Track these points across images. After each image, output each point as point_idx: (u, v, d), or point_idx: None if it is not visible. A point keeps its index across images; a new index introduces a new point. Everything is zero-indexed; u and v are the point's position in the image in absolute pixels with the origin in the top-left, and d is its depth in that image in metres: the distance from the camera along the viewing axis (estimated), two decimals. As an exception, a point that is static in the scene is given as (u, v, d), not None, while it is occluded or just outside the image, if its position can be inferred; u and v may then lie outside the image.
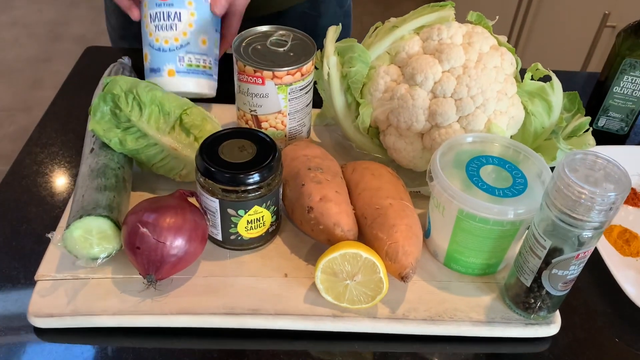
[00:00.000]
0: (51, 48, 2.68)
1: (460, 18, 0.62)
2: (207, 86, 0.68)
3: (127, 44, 0.94)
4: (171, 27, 0.66)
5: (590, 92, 0.79)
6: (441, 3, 0.62)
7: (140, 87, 0.60)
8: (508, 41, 2.15)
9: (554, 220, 0.47)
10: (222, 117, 0.74)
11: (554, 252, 0.49)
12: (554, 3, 1.71)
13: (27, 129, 2.27)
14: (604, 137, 0.78)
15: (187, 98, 0.64)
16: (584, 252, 0.48)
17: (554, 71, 0.62)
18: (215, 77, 0.70)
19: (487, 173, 0.55)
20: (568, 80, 0.92)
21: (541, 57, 1.79)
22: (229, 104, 0.73)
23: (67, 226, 0.53)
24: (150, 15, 0.66)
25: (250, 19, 0.91)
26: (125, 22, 0.93)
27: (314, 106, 0.71)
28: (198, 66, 0.67)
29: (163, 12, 0.65)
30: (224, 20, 0.72)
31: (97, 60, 0.87)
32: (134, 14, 0.69)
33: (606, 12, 1.36)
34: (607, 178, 0.46)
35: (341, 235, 0.55)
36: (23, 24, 2.81)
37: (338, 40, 0.65)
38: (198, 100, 0.69)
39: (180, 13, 0.65)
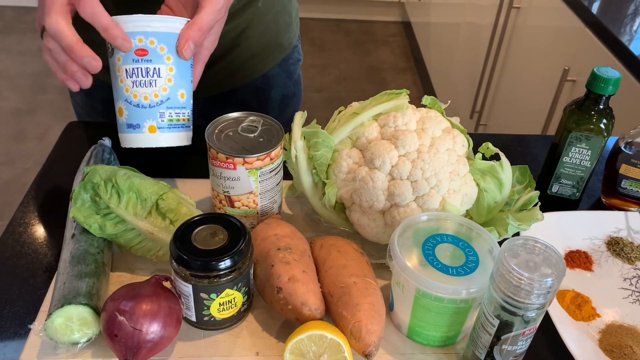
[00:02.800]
0: (35, 100, 2.72)
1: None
2: (185, 138, 0.69)
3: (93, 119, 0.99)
4: (150, 84, 0.64)
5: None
6: (396, 91, 0.67)
7: (119, 175, 0.64)
8: (474, 106, 2.22)
9: (500, 302, 0.51)
10: (197, 192, 0.79)
11: (503, 328, 0.53)
12: (516, 64, 1.81)
13: (10, 183, 2.29)
14: (558, 202, 0.83)
15: (166, 146, 0.66)
16: (530, 330, 0.53)
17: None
18: (191, 126, 0.70)
19: (442, 251, 0.60)
20: (527, 144, 0.99)
21: (507, 116, 1.88)
22: (205, 178, 0.77)
23: (49, 315, 0.56)
24: (127, 70, 0.64)
25: (208, 97, 0.97)
26: (90, 100, 0.98)
27: (287, 178, 0.76)
28: (178, 120, 0.67)
29: (141, 69, 0.64)
30: None
31: (79, 137, 0.92)
32: (74, 87, 0.65)
33: (566, 67, 1.44)
34: (545, 262, 0.51)
35: (309, 314, 0.58)
36: (7, 76, 2.85)
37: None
38: (180, 165, 0.70)
39: (159, 69, 0.64)
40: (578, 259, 0.74)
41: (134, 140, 0.66)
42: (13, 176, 2.28)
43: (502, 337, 0.53)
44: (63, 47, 0.60)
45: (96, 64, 0.61)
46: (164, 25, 0.63)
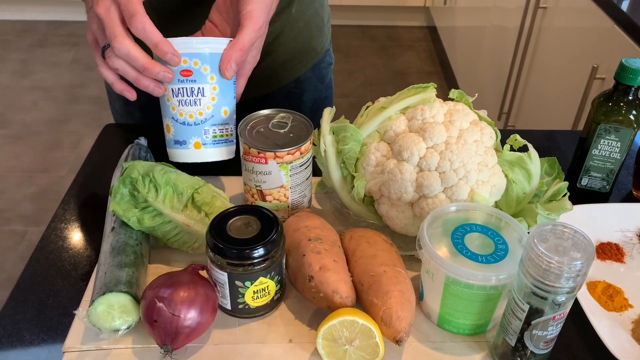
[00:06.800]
0: (69, 110, 2.81)
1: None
2: (229, 152, 0.73)
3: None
4: (195, 103, 0.67)
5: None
6: (424, 85, 0.68)
7: (156, 170, 0.67)
8: (501, 107, 2.20)
9: (530, 287, 0.52)
10: (230, 188, 0.81)
11: (533, 314, 0.53)
12: (543, 64, 1.79)
13: (46, 190, 2.36)
14: (588, 195, 0.83)
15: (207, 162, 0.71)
16: (560, 314, 0.53)
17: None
18: (234, 140, 0.73)
19: (471, 240, 0.61)
20: (555, 139, 0.98)
21: (536, 116, 1.87)
22: (237, 175, 0.80)
23: (92, 302, 0.58)
24: (173, 90, 0.67)
25: (241, 102, 0.99)
26: (128, 108, 1.01)
27: (316, 174, 0.77)
28: (222, 136, 0.70)
29: (186, 88, 0.67)
30: None
31: (115, 138, 0.95)
32: (132, 96, 0.69)
33: (594, 65, 1.43)
34: (574, 247, 0.51)
35: (340, 302, 0.60)
36: (42, 87, 2.95)
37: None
38: (213, 164, 0.74)
39: (203, 88, 0.67)
40: (609, 251, 0.74)
41: (180, 155, 0.71)
42: (49, 183, 2.36)
43: (533, 323, 0.54)
44: (137, 67, 0.64)
45: (170, 75, 0.65)
46: (207, 46, 0.66)
